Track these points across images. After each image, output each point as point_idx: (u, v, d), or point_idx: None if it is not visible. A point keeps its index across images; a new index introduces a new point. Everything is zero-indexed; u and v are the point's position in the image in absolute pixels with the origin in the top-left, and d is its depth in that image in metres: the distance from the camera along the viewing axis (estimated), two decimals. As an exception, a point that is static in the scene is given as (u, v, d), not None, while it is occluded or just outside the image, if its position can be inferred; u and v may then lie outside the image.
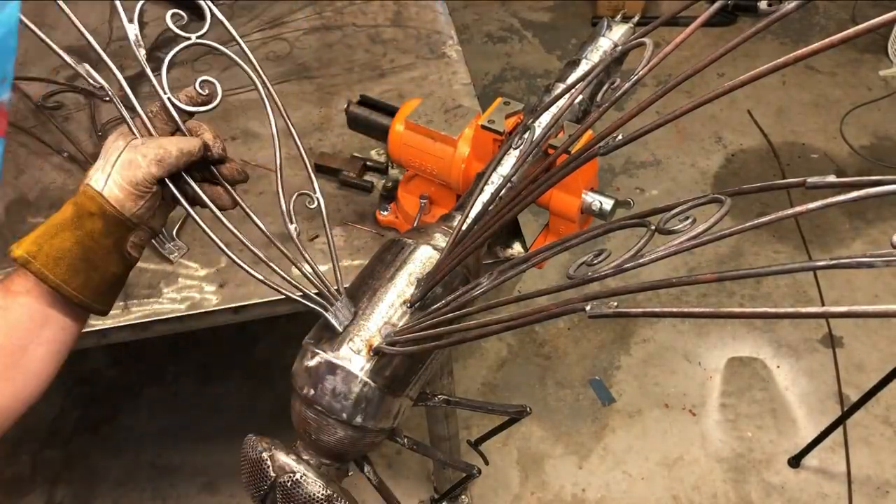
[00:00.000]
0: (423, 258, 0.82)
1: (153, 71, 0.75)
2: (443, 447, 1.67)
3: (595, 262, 0.57)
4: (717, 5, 0.60)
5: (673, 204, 0.54)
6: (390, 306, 0.78)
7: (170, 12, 0.74)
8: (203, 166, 0.77)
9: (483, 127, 1.02)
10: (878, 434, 1.99)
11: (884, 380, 1.65)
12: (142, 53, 0.74)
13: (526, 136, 0.93)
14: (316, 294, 0.78)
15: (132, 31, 0.73)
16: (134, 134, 0.74)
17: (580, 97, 0.99)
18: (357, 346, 0.75)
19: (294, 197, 0.80)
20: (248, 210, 0.78)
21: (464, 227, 0.83)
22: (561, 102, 0.93)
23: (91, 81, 0.75)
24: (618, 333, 2.25)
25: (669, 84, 0.57)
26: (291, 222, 0.79)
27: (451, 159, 1.07)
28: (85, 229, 0.70)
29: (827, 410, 2.03)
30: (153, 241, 1.23)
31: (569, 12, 3.40)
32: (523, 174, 0.91)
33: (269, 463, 0.72)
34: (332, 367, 0.74)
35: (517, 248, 1.21)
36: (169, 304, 1.18)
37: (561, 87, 1.01)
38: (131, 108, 0.75)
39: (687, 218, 0.53)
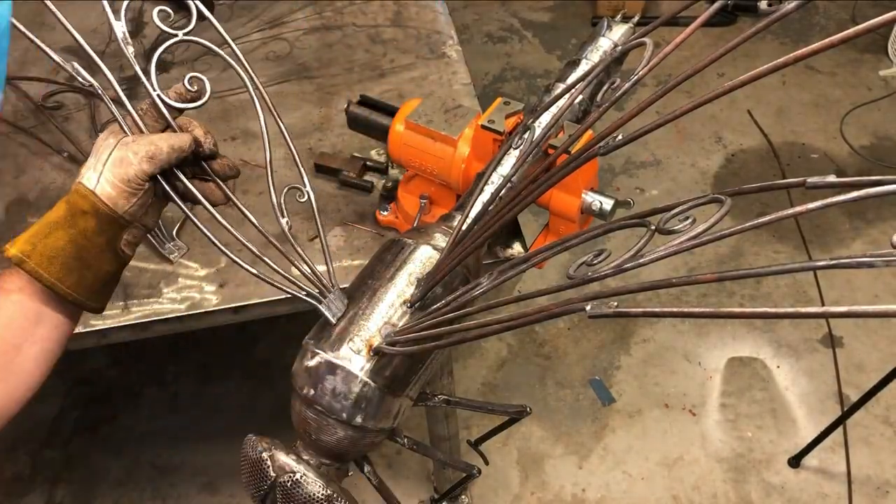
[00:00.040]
0: (423, 258, 0.82)
1: (148, 70, 0.75)
2: (443, 447, 1.67)
3: (595, 262, 0.57)
4: (717, 5, 0.60)
5: (673, 204, 0.54)
6: (390, 306, 0.78)
7: (157, 9, 0.74)
8: (195, 163, 0.78)
9: (483, 127, 1.02)
10: (878, 434, 1.99)
11: (884, 380, 1.65)
12: (130, 51, 0.74)
13: (526, 136, 0.92)
14: (311, 290, 0.78)
15: (119, 29, 0.73)
16: (125, 132, 0.75)
17: (580, 97, 0.99)
18: (357, 346, 0.75)
19: (285, 191, 0.80)
20: (241, 206, 0.79)
21: (464, 227, 0.83)
22: (561, 102, 0.93)
23: (80, 80, 0.75)
24: (618, 333, 2.25)
25: (669, 84, 0.57)
26: (283, 216, 0.79)
27: (451, 159, 1.07)
28: (78, 228, 0.70)
29: (827, 410, 2.03)
30: (153, 241, 1.23)
31: (569, 12, 3.40)
32: (523, 174, 0.91)
33: (269, 463, 0.72)
34: (332, 367, 0.74)
35: (517, 248, 1.21)
36: (169, 304, 1.18)
37: (561, 87, 1.01)
38: (123, 106, 0.75)
39: (687, 218, 0.52)
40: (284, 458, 0.73)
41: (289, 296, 0.78)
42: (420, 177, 1.15)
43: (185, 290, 1.20)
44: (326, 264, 0.81)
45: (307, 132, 1.44)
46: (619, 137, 0.62)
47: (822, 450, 1.92)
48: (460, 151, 1.06)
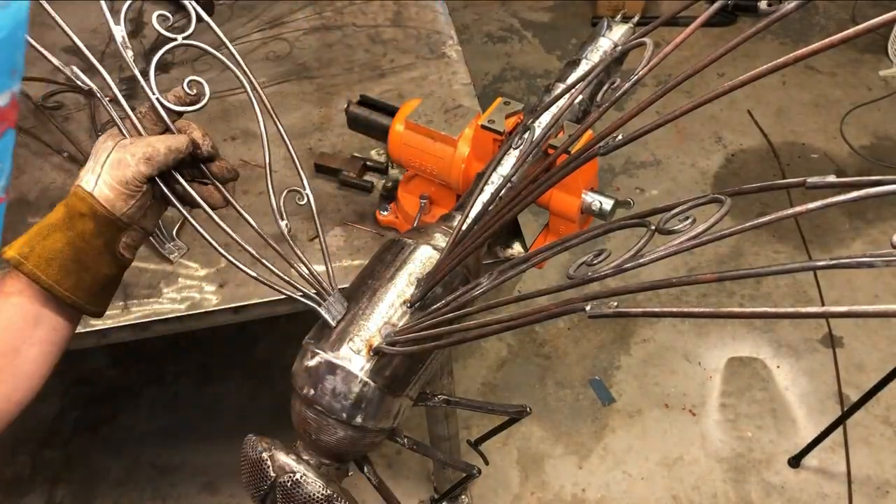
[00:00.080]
0: (423, 258, 0.82)
1: (147, 72, 0.75)
2: (443, 447, 1.67)
3: (595, 262, 0.57)
4: (717, 5, 0.60)
5: (673, 204, 0.54)
6: (390, 306, 0.78)
7: (155, 14, 0.74)
8: (193, 165, 0.78)
9: (483, 127, 1.02)
10: (878, 434, 1.99)
11: (884, 380, 1.65)
12: (129, 55, 0.74)
13: (526, 136, 0.93)
14: (311, 292, 0.78)
15: (119, 32, 0.73)
16: (123, 134, 0.75)
17: (580, 97, 0.99)
18: (357, 346, 0.75)
19: (284, 193, 0.80)
20: (239, 209, 0.79)
21: (464, 227, 0.83)
22: (561, 102, 0.93)
23: (79, 83, 0.75)
24: (618, 333, 2.25)
25: (669, 84, 0.57)
26: (282, 219, 0.79)
27: (451, 159, 1.07)
28: (76, 230, 0.70)
29: (827, 410, 2.03)
30: (153, 241, 1.23)
31: (569, 12, 3.40)
32: (523, 174, 0.91)
33: (269, 463, 0.72)
34: (332, 367, 0.74)
35: (517, 248, 1.21)
36: (169, 304, 1.18)
37: (561, 87, 1.01)
38: (122, 109, 0.75)
39: (687, 218, 0.52)
40: (284, 458, 0.73)
41: (288, 296, 0.78)
42: (420, 177, 1.15)
43: (185, 290, 1.20)
44: (326, 266, 0.81)
45: (307, 132, 1.44)
46: (619, 137, 0.62)
47: (822, 450, 1.92)
48: (460, 151, 1.06)
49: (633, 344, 2.22)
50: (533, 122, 0.93)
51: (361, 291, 0.80)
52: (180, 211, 0.76)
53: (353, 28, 1.68)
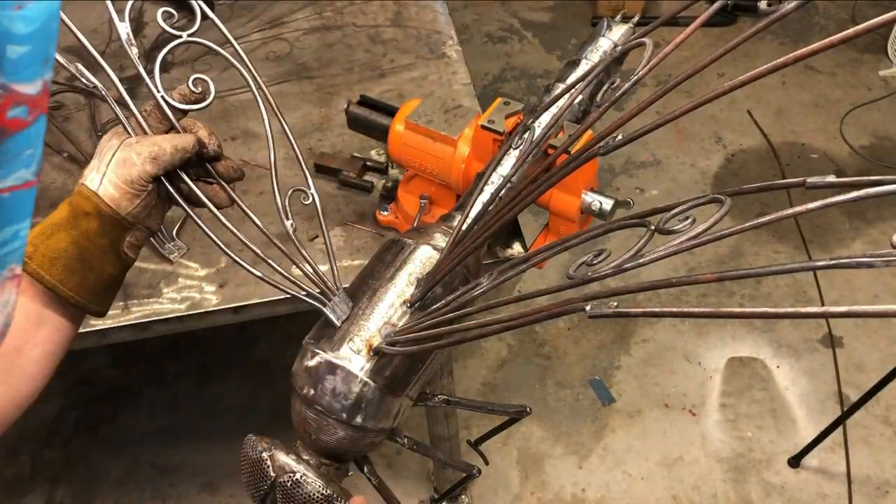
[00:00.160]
0: (423, 258, 0.82)
1: (151, 70, 0.75)
2: (443, 447, 1.67)
3: (595, 262, 0.57)
4: (717, 5, 0.60)
5: (673, 204, 0.54)
6: (390, 306, 0.78)
7: (160, 10, 0.74)
8: (199, 164, 0.77)
9: (483, 127, 1.02)
10: (878, 434, 1.99)
11: (884, 380, 1.65)
12: (134, 52, 0.74)
13: (526, 136, 0.93)
14: (315, 292, 0.78)
15: (123, 29, 0.73)
16: (128, 133, 0.74)
17: (580, 97, 0.99)
18: (357, 345, 0.75)
19: (289, 193, 0.80)
20: (245, 208, 0.79)
21: (464, 227, 0.83)
22: (561, 102, 0.93)
23: (84, 81, 0.75)
24: (618, 333, 2.25)
25: (669, 84, 0.57)
26: (287, 219, 0.79)
27: (451, 159, 1.07)
28: (80, 229, 0.70)
29: (827, 410, 2.03)
30: (153, 241, 1.23)
31: (569, 12, 3.40)
32: (523, 174, 0.91)
33: (269, 463, 0.72)
34: (332, 367, 0.74)
35: (517, 248, 1.21)
36: (169, 304, 1.18)
37: (561, 87, 1.01)
38: (126, 107, 0.75)
39: (687, 218, 0.53)
40: (284, 458, 0.73)
41: (289, 296, 0.78)
42: (420, 177, 1.15)
43: (185, 290, 1.20)
44: (331, 266, 0.81)
45: (307, 132, 1.45)
46: (619, 137, 0.62)
47: (821, 450, 1.92)
48: (460, 151, 1.06)
49: (633, 344, 2.22)
50: (533, 122, 0.93)
51: (361, 291, 0.80)
52: (186, 210, 0.76)
53: (353, 28, 1.68)
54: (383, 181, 1.31)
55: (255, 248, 0.77)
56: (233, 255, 0.77)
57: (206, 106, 0.76)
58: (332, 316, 0.77)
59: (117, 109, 0.75)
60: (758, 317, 0.47)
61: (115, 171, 0.70)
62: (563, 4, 3.43)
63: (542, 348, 2.23)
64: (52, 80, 0.37)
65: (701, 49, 2.96)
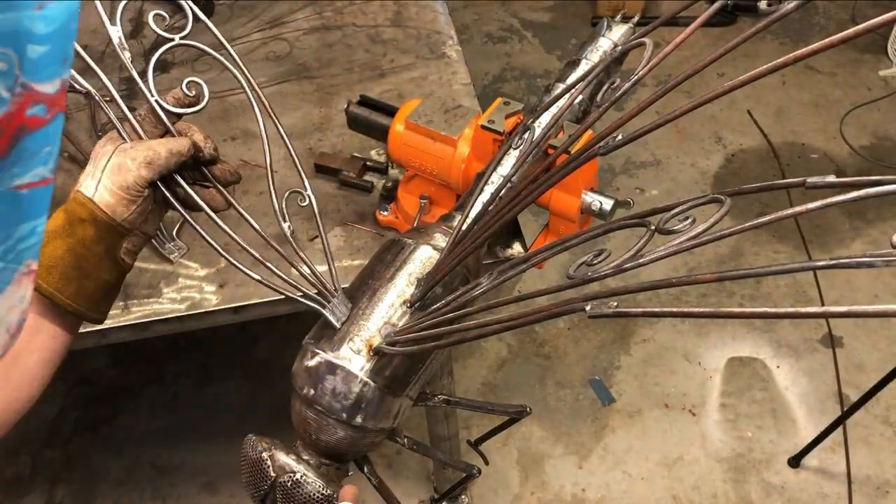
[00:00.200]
0: (423, 258, 0.82)
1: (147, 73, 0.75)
2: (443, 447, 1.67)
3: (595, 262, 0.57)
4: (717, 5, 0.60)
5: (673, 204, 0.54)
6: (390, 306, 0.78)
7: (151, 14, 0.74)
8: (195, 168, 0.77)
9: (483, 127, 1.02)
10: (878, 434, 1.99)
11: (884, 380, 1.64)
12: (126, 56, 0.73)
13: (526, 136, 0.93)
14: (313, 293, 0.78)
15: (115, 33, 0.73)
16: (123, 138, 0.74)
17: (580, 97, 0.99)
18: (357, 345, 0.75)
19: (286, 195, 0.80)
20: (242, 211, 0.78)
21: (464, 227, 0.83)
22: (561, 102, 0.93)
23: (76, 86, 0.75)
24: (618, 333, 2.25)
25: (669, 84, 0.57)
26: (285, 220, 0.79)
27: (451, 159, 1.07)
28: (76, 236, 0.69)
29: (827, 410, 2.03)
30: (153, 241, 1.23)
31: (569, 12, 3.40)
32: (523, 174, 0.91)
33: (269, 463, 0.72)
34: (332, 367, 0.74)
35: (517, 248, 1.21)
36: (169, 304, 1.18)
37: (561, 87, 1.01)
38: (121, 112, 0.75)
39: (687, 218, 0.53)
40: (284, 458, 0.73)
41: (291, 298, 0.78)
42: (420, 177, 1.15)
43: (185, 290, 1.20)
44: (329, 267, 0.81)
45: (307, 132, 1.44)
46: (619, 137, 0.62)
47: (821, 450, 1.92)
48: (460, 151, 1.06)
49: (633, 344, 2.22)
50: (533, 122, 0.93)
51: (361, 291, 0.80)
52: (182, 214, 0.76)
53: (353, 28, 1.68)
54: (383, 181, 1.31)
55: (253, 252, 0.77)
56: (231, 258, 0.76)
57: (201, 109, 0.75)
58: (331, 317, 0.77)
59: (111, 114, 0.75)
60: (758, 317, 0.47)
61: (110, 176, 0.70)
62: (563, 4, 3.43)
63: (542, 348, 2.23)
64: (69, 79, 0.38)
65: (701, 49, 2.96)
